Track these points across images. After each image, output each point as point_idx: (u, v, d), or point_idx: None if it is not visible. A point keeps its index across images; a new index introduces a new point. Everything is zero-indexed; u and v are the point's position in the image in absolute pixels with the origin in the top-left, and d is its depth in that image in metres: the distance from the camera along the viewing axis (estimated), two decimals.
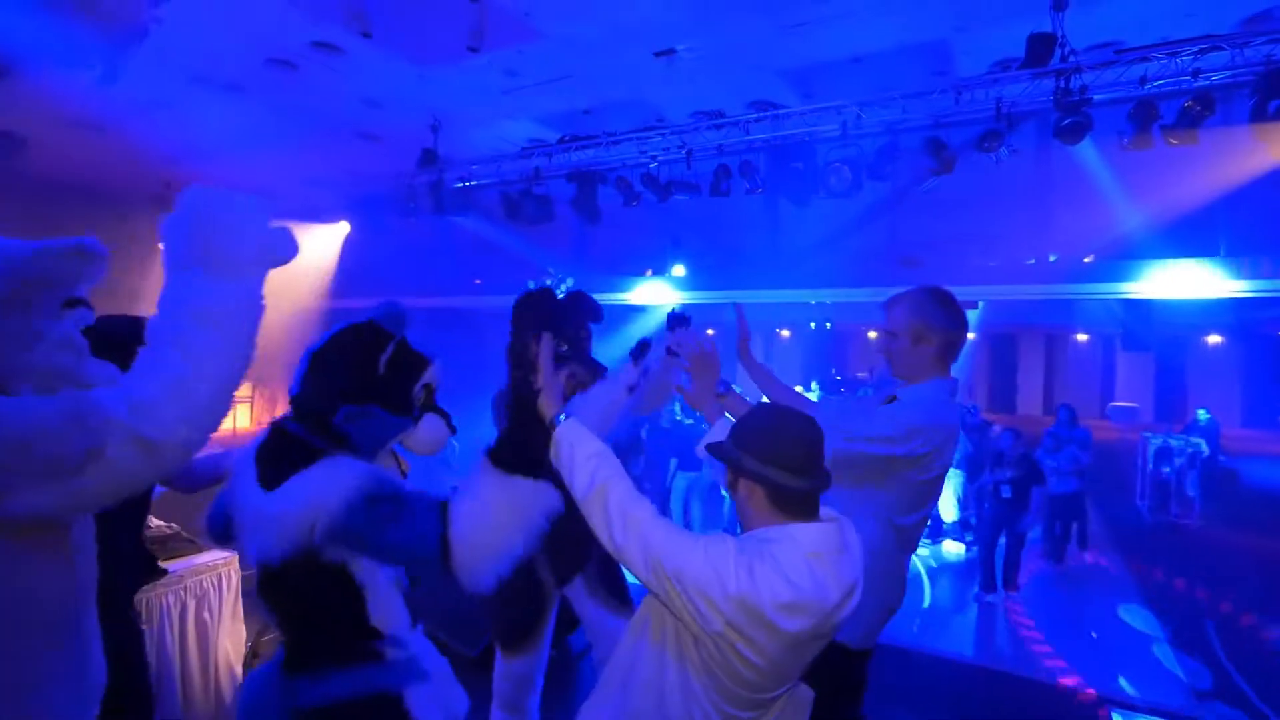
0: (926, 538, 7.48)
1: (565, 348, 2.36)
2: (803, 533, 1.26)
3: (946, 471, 1.95)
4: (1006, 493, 5.18)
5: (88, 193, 9.02)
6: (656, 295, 10.52)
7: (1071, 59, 4.82)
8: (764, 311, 14.92)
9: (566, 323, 2.36)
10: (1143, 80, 4.65)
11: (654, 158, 6.58)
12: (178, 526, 2.59)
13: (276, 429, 1.48)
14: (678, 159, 6.57)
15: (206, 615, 2.38)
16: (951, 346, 1.91)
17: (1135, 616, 5.47)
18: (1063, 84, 4.82)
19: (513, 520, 1.29)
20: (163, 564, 2.31)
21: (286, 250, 1.28)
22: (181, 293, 1.13)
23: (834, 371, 16.06)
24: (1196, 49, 4.44)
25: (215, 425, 1.13)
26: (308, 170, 9.30)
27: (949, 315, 1.91)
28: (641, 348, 2.15)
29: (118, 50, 3.78)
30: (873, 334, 18.98)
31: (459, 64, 6.40)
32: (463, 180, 7.61)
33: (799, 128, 5.95)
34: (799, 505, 1.29)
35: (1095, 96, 4.81)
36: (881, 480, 1.84)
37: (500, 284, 10.72)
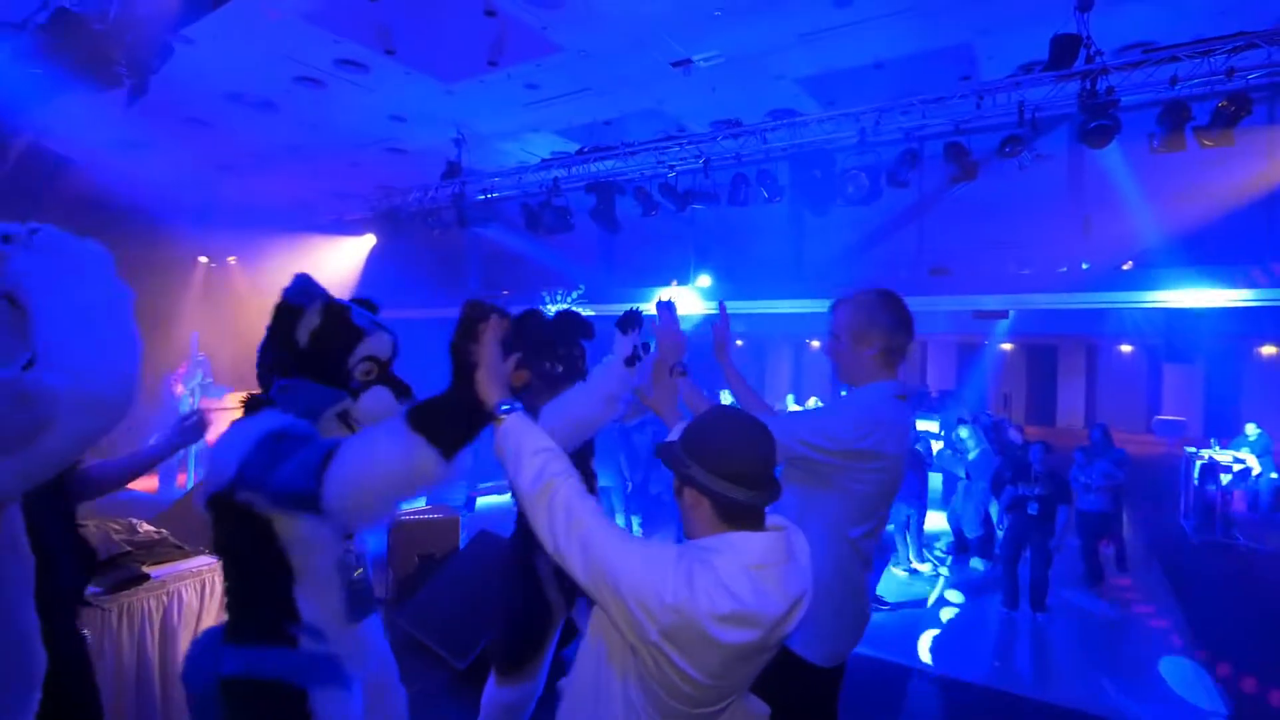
0: (947, 553, 7.25)
1: (560, 368, 2.33)
2: (746, 543, 1.23)
3: (896, 480, 1.89)
4: (1033, 509, 4.99)
5: (130, 210, 9.38)
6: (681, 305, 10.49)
7: (1097, 60, 4.67)
8: (790, 322, 14.74)
9: (557, 342, 2.34)
10: (1173, 80, 4.49)
11: (672, 168, 6.58)
12: (166, 533, 2.66)
13: (245, 406, 1.57)
14: (696, 168, 6.56)
15: (189, 619, 2.43)
16: (894, 350, 1.87)
17: (1170, 644, 5.21)
18: (1088, 86, 4.68)
19: (391, 476, 1.29)
20: (147, 569, 2.38)
21: None
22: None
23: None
24: (1230, 47, 4.26)
25: (138, 376, 1.22)
26: (337, 184, 9.54)
27: (891, 318, 1.86)
28: (633, 360, 2.12)
29: (143, 70, 3.91)
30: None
31: (481, 79, 6.51)
32: (485, 192, 7.72)
33: (817, 135, 5.88)
34: (745, 516, 1.26)
35: (1123, 98, 4.65)
36: (829, 485, 1.81)
37: (527, 295, 10.84)
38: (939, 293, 9.28)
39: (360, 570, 1.66)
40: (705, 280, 12.08)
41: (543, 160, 7.43)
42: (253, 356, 1.62)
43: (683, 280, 12.44)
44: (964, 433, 7.60)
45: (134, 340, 1.22)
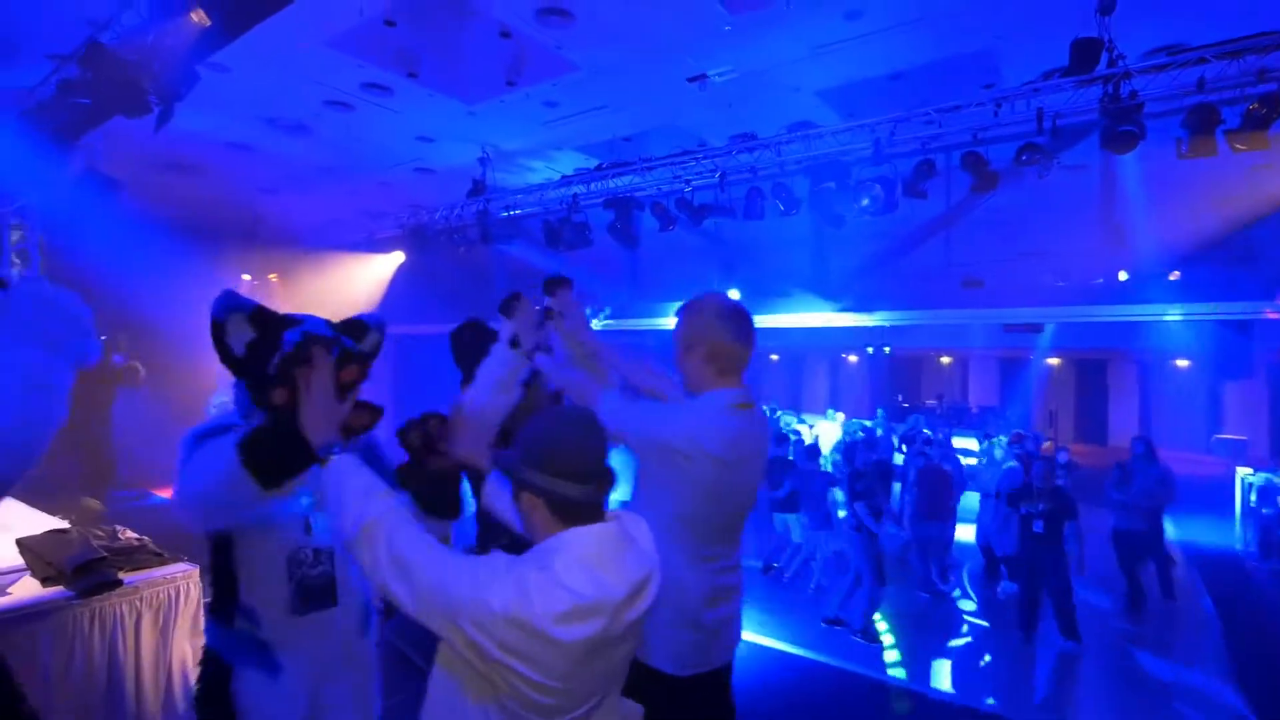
0: (975, 574, 6.99)
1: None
2: (582, 537, 1.22)
3: (731, 487, 1.81)
4: (1038, 527, 4.77)
5: (179, 230, 9.85)
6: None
7: (1120, 64, 4.52)
8: (824, 335, 14.54)
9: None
10: (1200, 84, 4.30)
11: (688, 182, 6.59)
12: (147, 539, 2.76)
13: None
14: (713, 183, 6.56)
15: (163, 626, 2.51)
16: (722, 355, 1.80)
17: (1208, 684, 4.88)
18: (1110, 90, 4.52)
19: (216, 494, 1.43)
20: (122, 575, 2.48)
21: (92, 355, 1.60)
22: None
23: (900, 399, 15.40)
24: (1261, 47, 4.07)
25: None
26: (369, 203, 9.85)
27: (722, 324, 1.80)
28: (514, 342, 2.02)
29: (171, 97, 4.13)
30: (946, 359, 18.15)
31: (501, 98, 6.67)
32: (508, 210, 7.87)
33: (832, 147, 5.83)
34: (581, 511, 1.25)
35: (1148, 103, 4.48)
36: (662, 482, 1.78)
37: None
38: (971, 306, 9.05)
39: (321, 567, 1.70)
40: (733, 294, 12.08)
41: (563, 177, 7.54)
42: None
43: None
44: (998, 451, 7.36)
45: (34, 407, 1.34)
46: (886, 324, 9.64)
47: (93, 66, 3.97)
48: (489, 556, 1.22)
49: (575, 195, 7.14)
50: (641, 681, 1.68)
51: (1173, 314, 6.55)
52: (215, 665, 1.61)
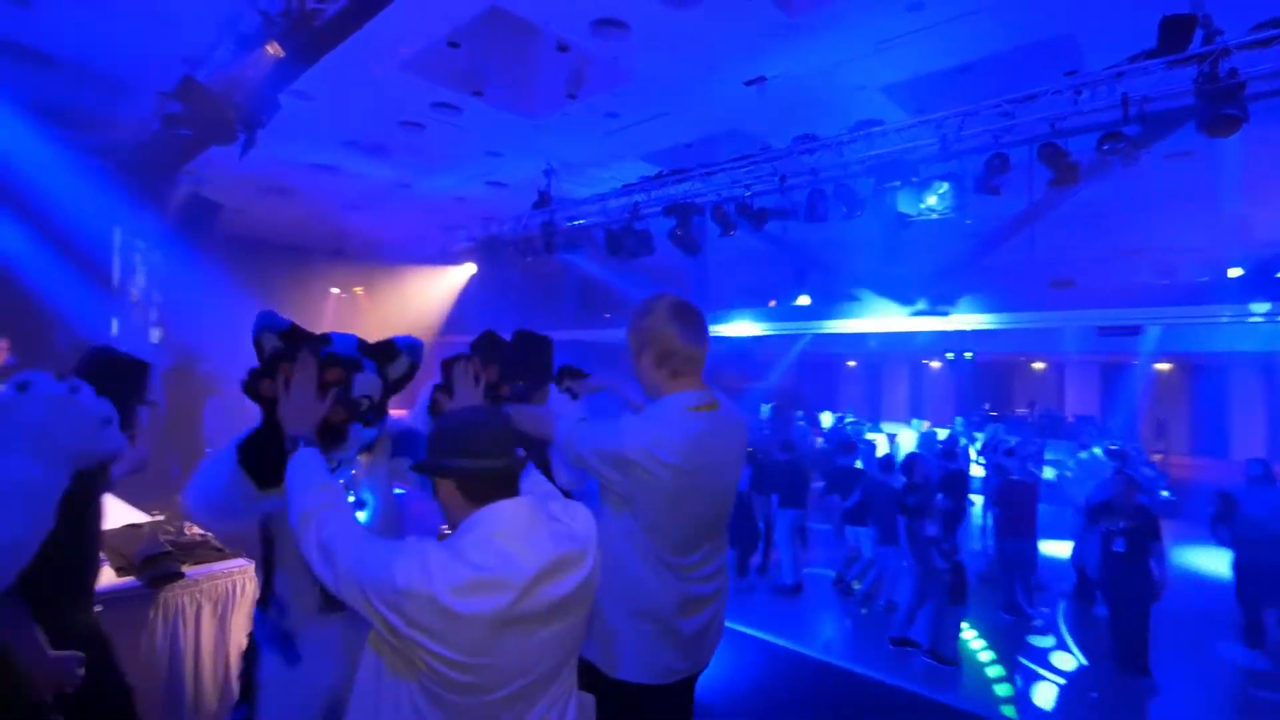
0: (1063, 596, 6.49)
1: (521, 384, 2.37)
2: (492, 513, 1.25)
3: (705, 492, 1.75)
4: (1119, 546, 4.34)
5: (273, 248, 10.63)
6: (750, 327, 10.30)
7: (1217, 40, 4.13)
8: (903, 340, 13.98)
9: (519, 362, 2.38)
10: None
11: (748, 186, 6.51)
12: (210, 535, 2.97)
13: None
14: (774, 186, 6.46)
15: (221, 617, 2.70)
16: (674, 357, 1.74)
17: None
18: (1206, 70, 4.13)
19: (219, 494, 1.57)
20: (185, 568, 2.69)
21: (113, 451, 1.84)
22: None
23: (988, 407, 14.55)
24: None
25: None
26: (445, 217, 10.28)
27: (672, 325, 1.74)
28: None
29: (254, 125, 4.46)
30: (1039, 365, 17.04)
31: (563, 111, 6.81)
32: (572, 219, 8.01)
33: (896, 145, 5.60)
34: (489, 488, 1.28)
35: (1251, 82, 4.07)
36: (619, 494, 1.74)
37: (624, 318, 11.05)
38: (1061, 307, 8.46)
39: None
40: (804, 300, 11.78)
41: (624, 185, 7.61)
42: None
43: (782, 299, 12.19)
44: (1090, 463, 6.83)
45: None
46: (968, 328, 9.14)
47: (186, 100, 4.34)
48: (406, 540, 1.27)
49: (636, 203, 7.19)
50: (612, 693, 1.70)
51: None
52: (251, 646, 1.78)
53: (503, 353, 2.16)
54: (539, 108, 6.79)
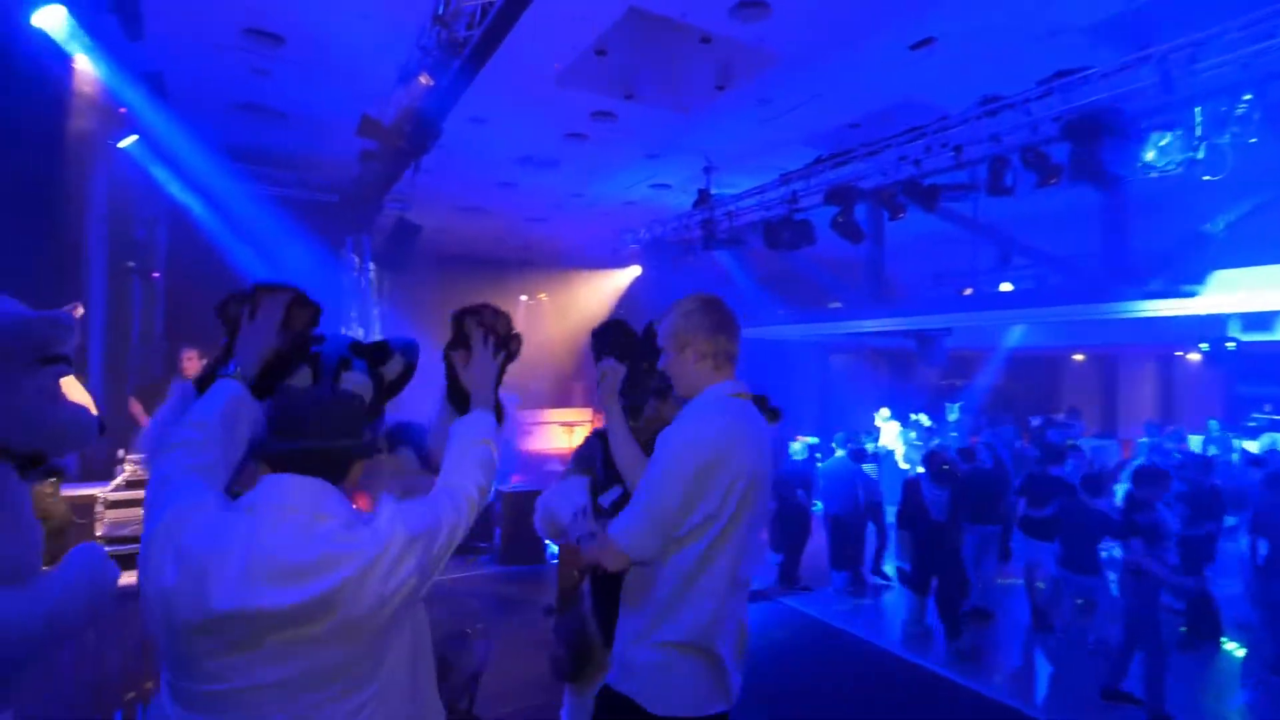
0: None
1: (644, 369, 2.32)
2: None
3: (766, 479, 1.75)
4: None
5: (471, 261, 11.78)
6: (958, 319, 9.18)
7: None
8: (1145, 329, 11.70)
9: (642, 354, 2.32)
10: None
11: (917, 162, 5.86)
12: None
13: None
14: (949, 161, 5.75)
15: None
16: (719, 354, 1.80)
17: None
18: None
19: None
20: None
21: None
22: None
23: (1268, 409, 11.62)
24: None
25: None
26: (617, 221, 10.64)
27: (710, 321, 1.80)
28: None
29: (421, 151, 4.94)
30: None
31: (715, 104, 6.69)
32: (729, 214, 7.83)
33: (1101, 93, 4.66)
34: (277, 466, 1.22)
35: None
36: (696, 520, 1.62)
37: (799, 313, 10.60)
38: None
39: None
40: (1006, 286, 10.35)
41: (780, 175, 7.26)
42: (561, 381, 1.96)
43: (980, 287, 10.83)
44: None
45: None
46: (1223, 311, 7.39)
47: (369, 136, 4.93)
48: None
49: (794, 192, 6.82)
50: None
51: None
52: None
53: (628, 348, 2.17)
54: (690, 103, 6.74)
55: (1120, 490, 6.18)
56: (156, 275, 7.02)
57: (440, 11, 4.25)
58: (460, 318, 1.76)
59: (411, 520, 1.23)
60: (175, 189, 6.60)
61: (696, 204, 8.19)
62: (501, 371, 1.75)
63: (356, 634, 1.14)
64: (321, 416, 1.24)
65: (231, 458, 1.33)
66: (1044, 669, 5.11)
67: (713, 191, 8.21)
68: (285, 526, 1.13)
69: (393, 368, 1.78)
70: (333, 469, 1.23)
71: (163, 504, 1.15)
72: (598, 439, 2.28)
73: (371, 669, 1.19)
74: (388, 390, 1.78)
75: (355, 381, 1.69)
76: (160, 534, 1.12)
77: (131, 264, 6.40)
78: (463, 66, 4.40)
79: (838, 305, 9.37)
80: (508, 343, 1.76)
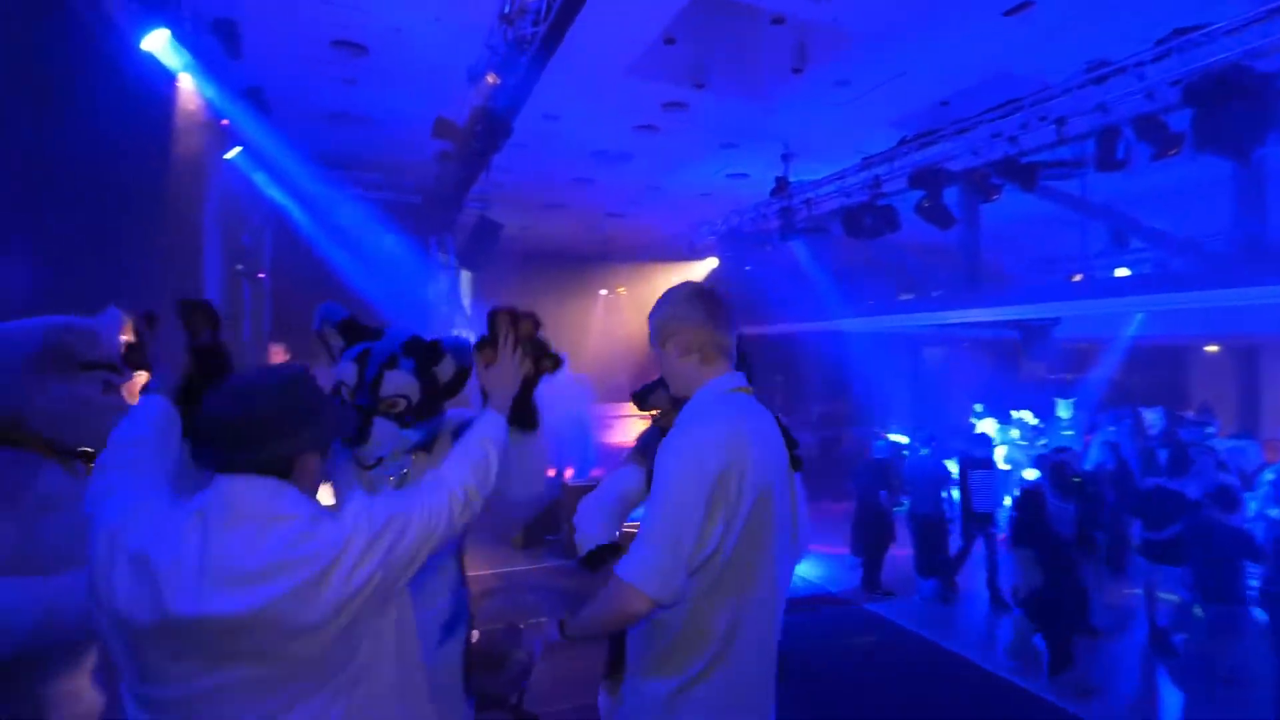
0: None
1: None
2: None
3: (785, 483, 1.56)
4: None
5: (553, 257, 11.98)
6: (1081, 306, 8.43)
7: None
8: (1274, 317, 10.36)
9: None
10: None
11: (1013, 138, 5.41)
12: None
13: None
14: (1049, 133, 5.28)
15: None
16: (710, 346, 1.58)
17: None
18: None
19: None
20: None
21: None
22: None
23: None
24: None
25: None
26: (694, 214, 10.51)
27: (699, 312, 1.60)
28: None
29: (489, 150, 5.03)
30: None
31: (791, 88, 6.44)
32: (808, 202, 7.54)
33: (1227, 51, 4.12)
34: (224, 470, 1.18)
35: None
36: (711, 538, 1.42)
37: (890, 304, 10.12)
38: None
39: None
40: (1123, 271, 9.43)
41: (862, 159, 6.91)
42: (641, 374, 1.92)
43: (1091, 273, 9.93)
44: None
45: None
46: None
47: (442, 136, 5.07)
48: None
49: (877, 176, 6.47)
50: None
51: None
52: None
53: None
54: (765, 89, 6.52)
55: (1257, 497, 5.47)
56: (262, 276, 7.55)
57: (506, 10, 4.29)
58: (492, 316, 1.69)
59: (379, 512, 1.19)
60: (276, 196, 7.07)
61: (774, 192, 7.95)
62: (530, 381, 1.69)
63: (321, 634, 1.11)
64: (245, 426, 1.16)
65: (170, 469, 1.34)
66: (1171, 699, 4.56)
67: (791, 179, 7.93)
68: (238, 531, 1.11)
69: (445, 369, 1.74)
70: (275, 468, 1.18)
71: (108, 512, 1.15)
72: (657, 429, 2.22)
73: (343, 665, 1.16)
74: (443, 391, 1.74)
75: (398, 381, 1.66)
76: (106, 540, 1.12)
77: (240, 267, 6.91)
78: (530, 63, 4.44)
79: (938, 293, 8.81)
80: (537, 349, 1.69)
